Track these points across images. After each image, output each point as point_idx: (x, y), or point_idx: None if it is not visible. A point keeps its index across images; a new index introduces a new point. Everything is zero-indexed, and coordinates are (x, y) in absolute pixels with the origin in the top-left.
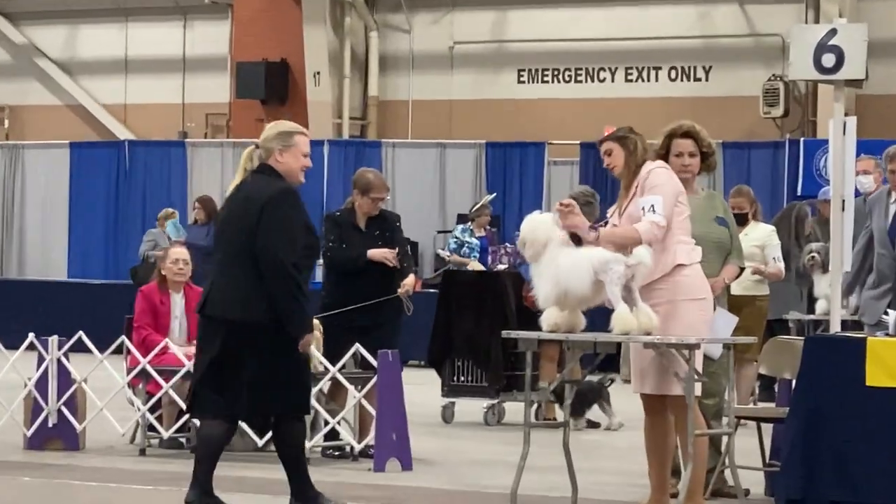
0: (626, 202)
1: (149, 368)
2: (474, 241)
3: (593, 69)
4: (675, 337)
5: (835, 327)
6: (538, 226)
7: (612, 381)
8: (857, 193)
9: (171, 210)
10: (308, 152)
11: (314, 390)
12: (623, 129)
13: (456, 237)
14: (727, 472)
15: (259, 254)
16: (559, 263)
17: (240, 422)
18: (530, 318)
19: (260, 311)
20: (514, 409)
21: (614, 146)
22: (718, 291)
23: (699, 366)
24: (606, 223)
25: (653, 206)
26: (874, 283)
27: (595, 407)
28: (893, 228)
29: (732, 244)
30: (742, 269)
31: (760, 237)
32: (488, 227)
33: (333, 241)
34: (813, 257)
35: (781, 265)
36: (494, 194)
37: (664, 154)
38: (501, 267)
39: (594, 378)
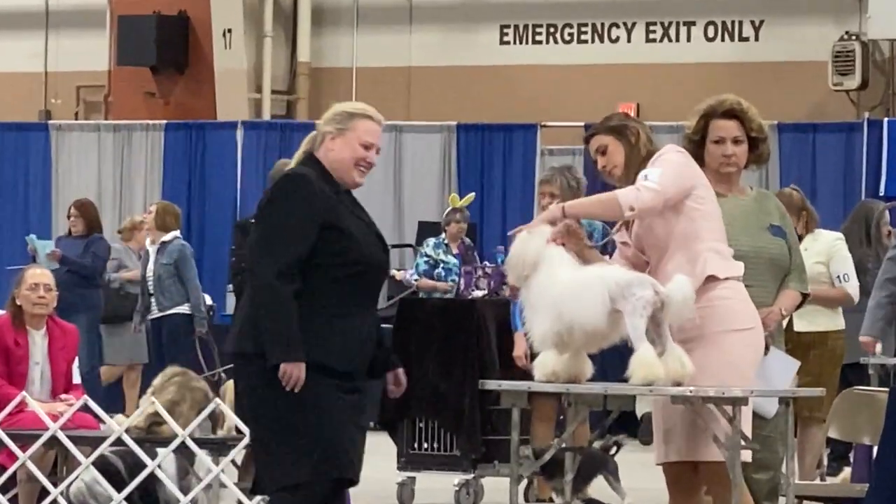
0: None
1: None
2: (451, 259)
3: (602, 25)
4: (713, 388)
5: None
6: (530, 238)
7: (620, 445)
8: None
9: (138, 219)
10: (371, 143)
11: (224, 461)
12: (616, 117)
13: (427, 255)
14: None
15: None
16: (561, 287)
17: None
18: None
19: (248, 338)
20: (496, 486)
21: (609, 141)
22: (773, 326)
23: (747, 427)
24: (609, 244)
25: (646, 175)
26: None
27: (598, 480)
28: None
29: (792, 262)
30: (806, 296)
31: (823, 249)
32: (464, 240)
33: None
34: None
35: (852, 285)
36: (473, 195)
37: (700, 140)
38: (478, 293)
39: (597, 442)
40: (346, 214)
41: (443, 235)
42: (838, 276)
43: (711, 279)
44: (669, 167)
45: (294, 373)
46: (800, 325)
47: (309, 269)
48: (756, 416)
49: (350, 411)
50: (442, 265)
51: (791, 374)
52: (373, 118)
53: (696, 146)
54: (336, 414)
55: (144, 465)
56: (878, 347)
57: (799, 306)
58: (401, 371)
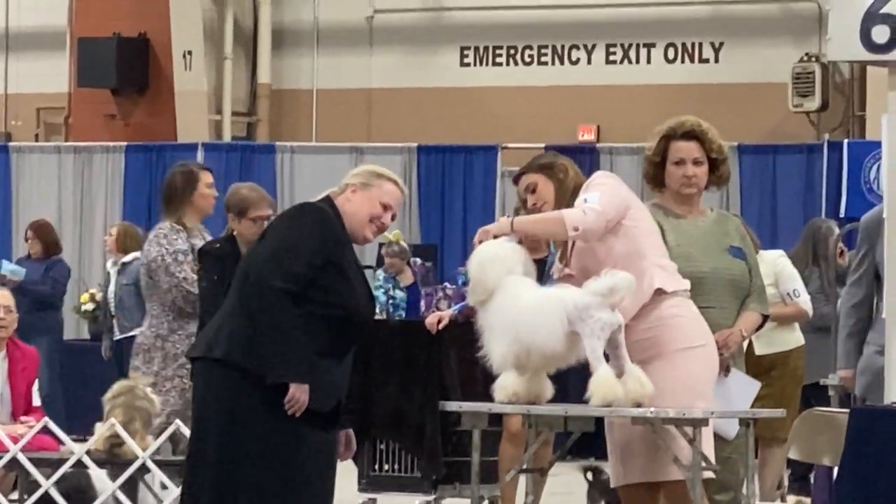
0: (571, 249)
1: None
2: (399, 293)
3: (563, 47)
4: (673, 409)
5: (891, 395)
6: (491, 255)
7: (595, 470)
8: None
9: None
10: (391, 205)
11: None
12: (545, 156)
13: (380, 286)
14: None
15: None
16: (519, 309)
17: None
18: (483, 381)
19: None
20: None
21: (538, 179)
22: (734, 347)
23: (709, 448)
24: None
25: (585, 199)
26: None
27: None
28: None
29: (752, 283)
30: (766, 318)
31: (769, 270)
32: (418, 263)
33: (217, 278)
34: None
35: (804, 300)
36: (398, 232)
37: (660, 162)
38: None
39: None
40: (349, 259)
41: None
42: (788, 294)
43: (659, 293)
44: (605, 189)
45: (301, 397)
46: (759, 348)
47: (301, 300)
48: (717, 438)
49: (321, 447)
50: (390, 301)
51: (752, 396)
52: (398, 186)
53: (657, 167)
54: (308, 450)
55: (82, 490)
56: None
57: (759, 327)
58: (351, 433)
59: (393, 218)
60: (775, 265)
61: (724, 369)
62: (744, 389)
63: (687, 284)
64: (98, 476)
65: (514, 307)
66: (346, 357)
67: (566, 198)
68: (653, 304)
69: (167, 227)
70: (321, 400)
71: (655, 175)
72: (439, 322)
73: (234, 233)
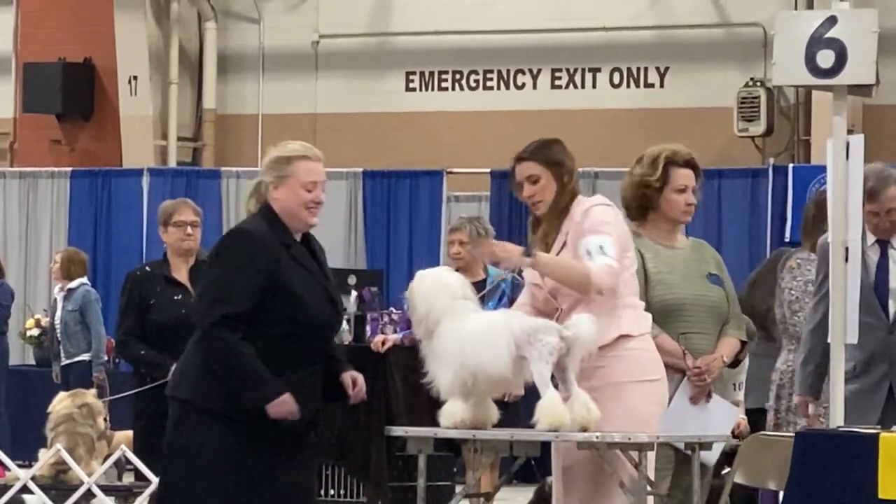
0: (554, 252)
1: None
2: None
3: (508, 72)
4: (619, 434)
5: (836, 419)
6: (434, 284)
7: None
8: None
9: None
10: (314, 180)
11: None
12: (555, 148)
13: None
14: None
15: None
16: (466, 334)
17: None
18: (429, 406)
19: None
20: None
21: (543, 174)
22: (715, 373)
23: (652, 471)
24: (518, 289)
25: (601, 247)
26: (856, 369)
27: None
28: (881, 284)
29: (730, 310)
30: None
31: None
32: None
33: (128, 314)
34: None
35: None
36: None
37: (661, 187)
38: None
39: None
40: (293, 270)
41: None
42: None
43: (624, 337)
44: (616, 234)
45: (284, 408)
46: None
47: (252, 330)
48: (680, 463)
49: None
50: None
51: (732, 421)
52: (309, 157)
53: (658, 192)
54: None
55: None
56: (812, 409)
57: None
58: (356, 375)
59: (323, 188)
60: None
61: (706, 395)
62: (724, 415)
63: (649, 322)
64: (33, 502)
65: (461, 333)
66: (316, 365)
67: (563, 206)
68: (615, 342)
69: None
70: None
71: (650, 199)
72: (384, 343)
73: (167, 252)
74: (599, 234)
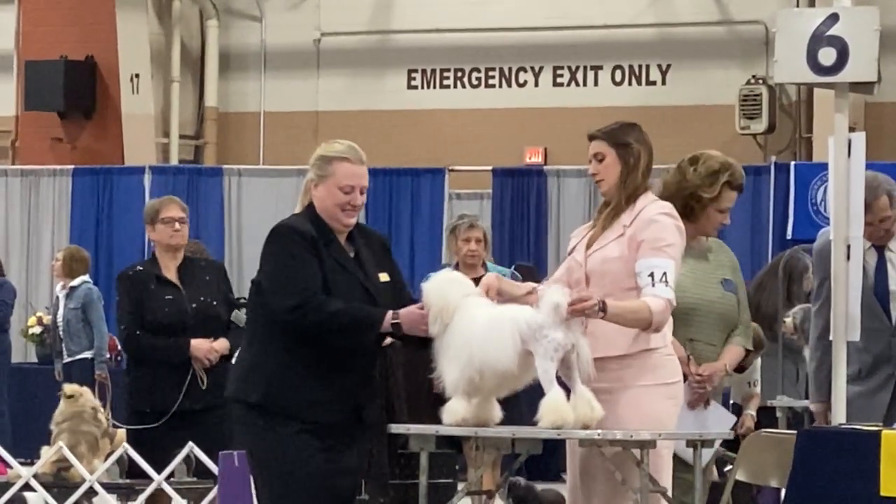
0: (601, 235)
1: None
2: None
3: (510, 70)
4: (620, 431)
5: (838, 416)
6: (448, 281)
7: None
8: None
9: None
10: (352, 185)
11: None
12: (627, 130)
13: None
14: None
15: None
16: (472, 330)
17: None
18: (430, 403)
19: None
20: None
21: (610, 153)
22: (717, 381)
23: (663, 472)
24: (533, 278)
25: (664, 274)
26: (861, 372)
27: None
28: (881, 288)
29: (740, 317)
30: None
31: None
32: None
33: (132, 313)
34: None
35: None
36: None
37: (708, 204)
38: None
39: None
40: (329, 266)
41: None
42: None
43: (647, 351)
44: (677, 258)
45: (411, 318)
46: None
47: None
48: (680, 462)
49: (325, 467)
50: None
51: (727, 428)
52: (350, 159)
53: (701, 206)
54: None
55: None
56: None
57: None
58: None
59: (362, 192)
60: None
61: (705, 402)
62: (720, 422)
63: (671, 329)
64: (35, 500)
65: (469, 326)
66: (354, 360)
67: (631, 188)
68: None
69: None
70: (322, 413)
71: (691, 210)
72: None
73: (155, 251)
74: (664, 256)
